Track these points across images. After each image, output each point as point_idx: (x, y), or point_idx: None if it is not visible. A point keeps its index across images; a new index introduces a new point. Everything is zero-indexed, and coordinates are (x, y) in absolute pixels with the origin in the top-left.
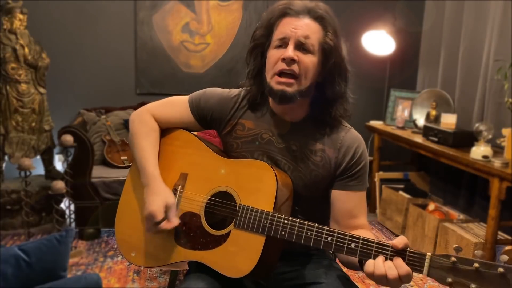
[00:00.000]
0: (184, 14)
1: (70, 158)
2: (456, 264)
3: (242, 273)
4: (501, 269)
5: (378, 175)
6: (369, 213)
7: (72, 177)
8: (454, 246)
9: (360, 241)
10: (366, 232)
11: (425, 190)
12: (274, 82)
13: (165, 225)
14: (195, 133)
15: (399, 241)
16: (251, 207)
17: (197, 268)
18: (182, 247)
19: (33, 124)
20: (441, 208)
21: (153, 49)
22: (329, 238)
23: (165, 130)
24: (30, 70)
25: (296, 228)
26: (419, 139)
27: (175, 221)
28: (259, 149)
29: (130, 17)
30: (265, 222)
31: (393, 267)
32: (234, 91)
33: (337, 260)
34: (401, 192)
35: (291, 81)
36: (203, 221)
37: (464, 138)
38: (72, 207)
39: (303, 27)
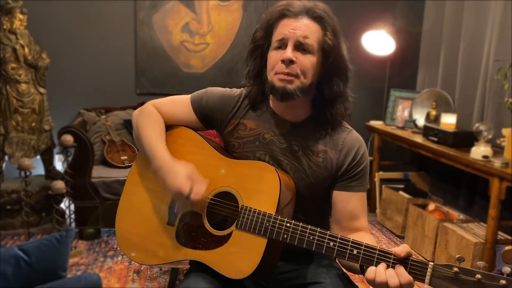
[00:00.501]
0: (184, 14)
1: (70, 158)
2: (458, 275)
3: (243, 274)
4: (503, 281)
5: (378, 175)
6: (369, 213)
7: (72, 177)
8: (457, 256)
9: (363, 247)
10: (368, 237)
11: (425, 190)
12: (276, 79)
13: (195, 194)
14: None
15: (402, 249)
16: (254, 209)
17: (197, 268)
18: (183, 246)
19: (33, 124)
20: (441, 208)
21: (153, 49)
22: (332, 244)
23: (168, 127)
24: (30, 70)
25: (299, 232)
26: (419, 139)
27: (203, 185)
28: (261, 149)
29: (130, 17)
30: (267, 224)
31: (395, 275)
32: (236, 91)
33: (337, 260)
34: (401, 192)
35: (292, 78)
36: (205, 220)
37: (464, 138)
38: (72, 207)
39: (302, 28)
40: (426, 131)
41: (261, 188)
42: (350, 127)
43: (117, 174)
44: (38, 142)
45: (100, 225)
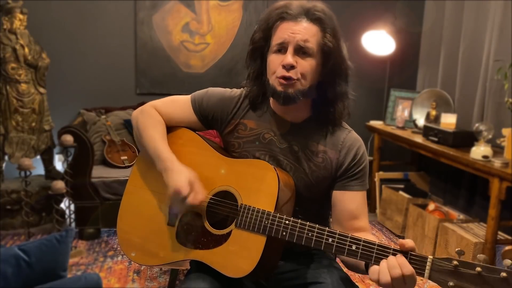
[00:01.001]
0: (184, 14)
1: (70, 158)
2: (458, 268)
3: (242, 272)
4: (504, 274)
5: (378, 175)
6: (369, 213)
7: (72, 177)
8: (456, 249)
9: (362, 242)
10: (369, 237)
11: (425, 190)
12: (277, 83)
13: (192, 199)
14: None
15: (408, 241)
16: (253, 207)
17: (197, 268)
18: (183, 246)
19: (33, 124)
20: (441, 208)
21: (153, 49)
22: (330, 240)
23: (168, 128)
24: (30, 70)
25: (297, 229)
26: (419, 139)
27: (201, 195)
28: (261, 149)
29: (130, 17)
30: (266, 222)
31: (397, 266)
32: (236, 91)
33: (337, 260)
34: (401, 192)
35: (293, 82)
36: (205, 220)
37: (464, 138)
38: (72, 207)
39: (302, 31)
40: (426, 131)
41: (260, 186)
42: (350, 128)
43: (117, 174)
44: (38, 142)
45: (100, 225)
